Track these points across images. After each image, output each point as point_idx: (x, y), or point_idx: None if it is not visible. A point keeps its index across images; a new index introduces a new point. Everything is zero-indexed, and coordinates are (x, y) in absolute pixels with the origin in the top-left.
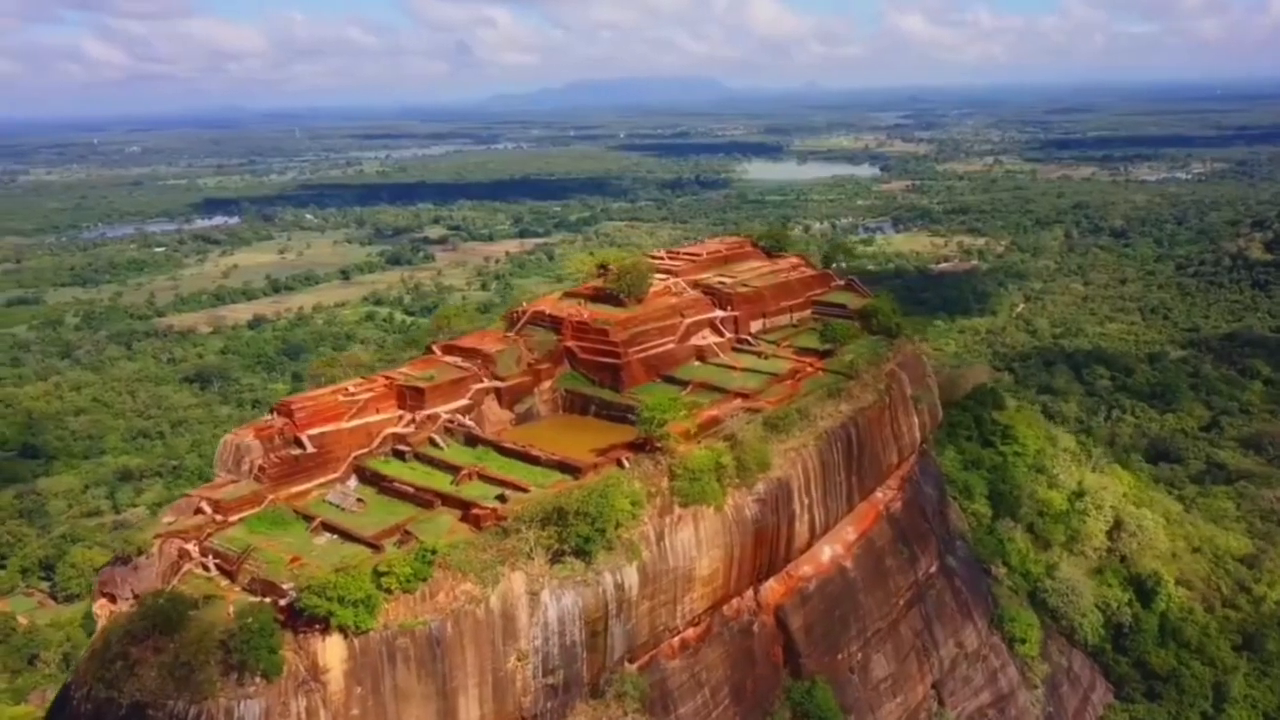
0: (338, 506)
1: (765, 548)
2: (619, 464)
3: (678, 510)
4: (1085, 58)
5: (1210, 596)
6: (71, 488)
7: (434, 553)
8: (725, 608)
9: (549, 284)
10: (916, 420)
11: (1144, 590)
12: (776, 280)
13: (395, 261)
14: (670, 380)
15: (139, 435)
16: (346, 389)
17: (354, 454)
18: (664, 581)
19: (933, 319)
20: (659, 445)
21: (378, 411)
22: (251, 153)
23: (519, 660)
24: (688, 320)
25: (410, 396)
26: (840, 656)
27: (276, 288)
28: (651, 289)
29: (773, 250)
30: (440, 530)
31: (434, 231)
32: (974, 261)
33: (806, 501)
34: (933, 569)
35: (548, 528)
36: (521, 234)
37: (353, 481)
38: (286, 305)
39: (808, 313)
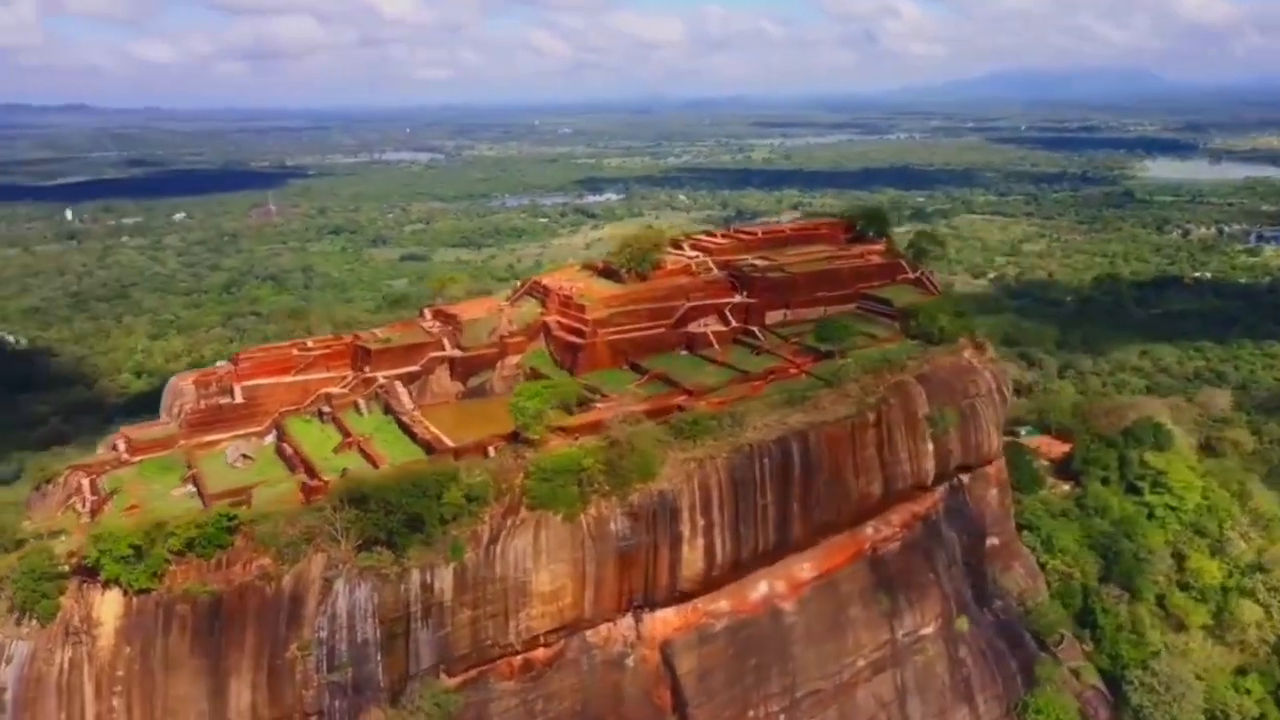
0: (228, 462)
1: (638, 570)
2: (484, 453)
3: (522, 513)
4: None
5: None
6: None
7: (232, 519)
8: (590, 633)
9: None
10: (932, 447)
11: None
12: (825, 267)
13: None
14: (635, 368)
15: None
16: (305, 344)
17: (283, 409)
18: (489, 590)
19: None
20: (528, 438)
21: (327, 369)
22: (660, 137)
23: (300, 650)
24: (689, 304)
25: (361, 357)
26: (750, 714)
27: None
28: (666, 267)
29: (863, 235)
30: (275, 497)
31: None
32: None
33: (702, 523)
34: (926, 629)
35: (350, 510)
36: None
37: (269, 437)
38: None
39: (851, 306)
